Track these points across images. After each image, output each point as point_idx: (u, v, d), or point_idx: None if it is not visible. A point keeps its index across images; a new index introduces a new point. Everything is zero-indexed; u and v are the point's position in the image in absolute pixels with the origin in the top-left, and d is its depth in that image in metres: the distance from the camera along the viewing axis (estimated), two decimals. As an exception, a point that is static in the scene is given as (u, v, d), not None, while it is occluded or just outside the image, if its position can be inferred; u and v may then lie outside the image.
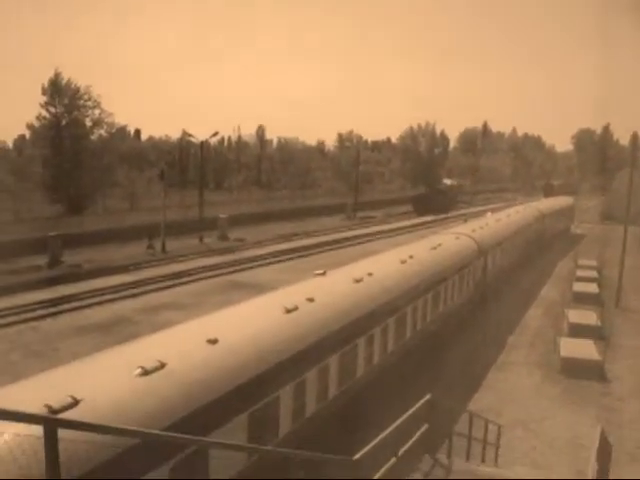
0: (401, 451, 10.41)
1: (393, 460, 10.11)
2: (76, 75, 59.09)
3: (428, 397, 11.46)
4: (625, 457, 15.49)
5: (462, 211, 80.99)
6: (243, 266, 39.06)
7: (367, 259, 22.74)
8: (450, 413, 13.85)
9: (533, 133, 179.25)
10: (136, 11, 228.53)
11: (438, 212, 75.80)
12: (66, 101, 58.34)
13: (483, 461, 13.60)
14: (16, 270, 34.91)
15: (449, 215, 76.92)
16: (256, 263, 40.26)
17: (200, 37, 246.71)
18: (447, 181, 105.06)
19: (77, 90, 58.40)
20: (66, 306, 27.87)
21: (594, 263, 42.57)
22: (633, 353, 25.39)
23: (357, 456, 8.73)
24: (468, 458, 13.04)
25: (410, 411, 10.75)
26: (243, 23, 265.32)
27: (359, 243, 51.17)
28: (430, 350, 21.79)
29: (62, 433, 4.75)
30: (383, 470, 9.83)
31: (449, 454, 12.47)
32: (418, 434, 11.37)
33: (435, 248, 24.99)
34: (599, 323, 27.28)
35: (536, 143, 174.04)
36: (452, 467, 11.56)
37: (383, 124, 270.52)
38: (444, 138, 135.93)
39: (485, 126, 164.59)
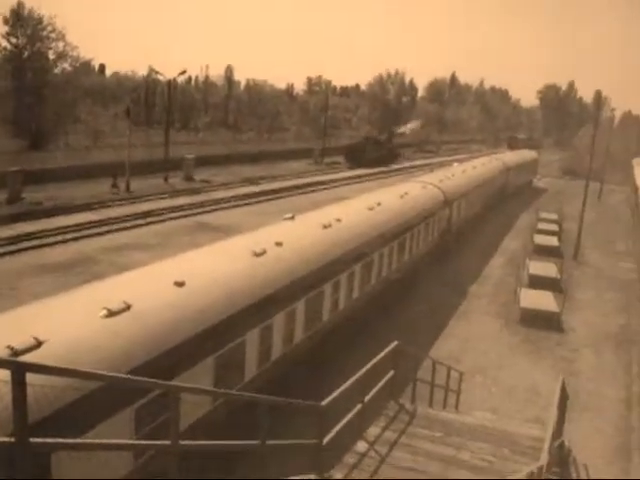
0: (367, 397, 10.53)
1: (359, 406, 10.23)
2: (39, 3, 56.46)
3: (395, 344, 11.57)
4: (577, 406, 16.02)
5: (425, 161, 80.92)
6: (209, 208, 38.66)
7: (335, 205, 22.71)
8: (414, 360, 14.06)
9: (500, 86, 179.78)
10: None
11: (373, 165, 69.00)
12: (29, 32, 56.11)
13: (444, 407, 13.90)
14: (-27, 205, 34.00)
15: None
16: (222, 205, 39.86)
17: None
18: (408, 126, 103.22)
19: (40, 20, 56.14)
20: (26, 244, 27.12)
21: (555, 216, 43.20)
22: (588, 305, 26.08)
23: (324, 402, 8.79)
24: (431, 404, 13.31)
25: (377, 357, 10.85)
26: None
27: (326, 189, 51.04)
28: (395, 297, 22.04)
29: (29, 377, 4.65)
30: (350, 415, 9.95)
31: (413, 400, 12.71)
32: (384, 380, 11.51)
33: (402, 196, 25.03)
34: (558, 275, 27.85)
35: (503, 96, 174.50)
36: (416, 412, 11.78)
37: (352, 70, 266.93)
38: (412, 87, 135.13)
39: (453, 77, 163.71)
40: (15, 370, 4.57)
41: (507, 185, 51.45)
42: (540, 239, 36.22)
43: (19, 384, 4.56)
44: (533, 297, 24.49)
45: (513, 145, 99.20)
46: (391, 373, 11.69)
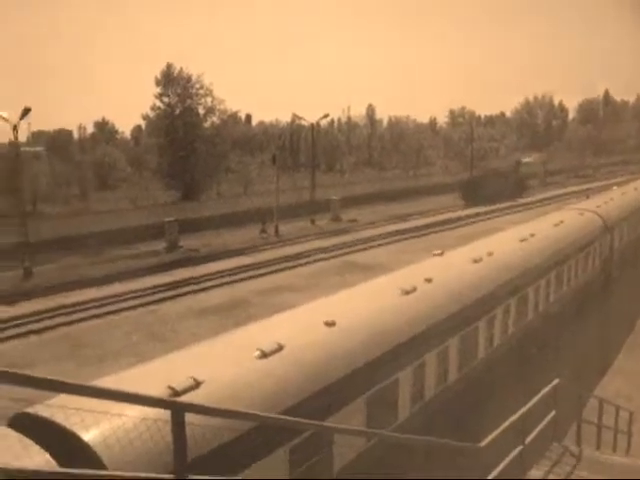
0: (528, 438, 9.88)
1: (520, 447, 9.62)
2: (183, 64, 60.86)
3: (556, 382, 10.83)
4: None
5: (582, 186, 76.60)
6: (357, 247, 38.85)
7: (486, 238, 21.96)
8: (578, 399, 13.10)
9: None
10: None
11: (494, 201, 59.74)
12: (179, 91, 60.30)
13: (614, 450, 12.79)
14: (136, 255, 36.46)
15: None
16: (370, 244, 39.91)
17: (286, 23, 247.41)
18: (527, 159, 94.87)
19: (189, 79, 60.21)
20: (185, 289, 28.65)
21: None
22: None
23: (483, 443, 8.34)
24: (599, 447, 12.29)
25: (537, 396, 10.20)
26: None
27: (476, 222, 49.81)
28: (554, 332, 20.81)
29: (187, 416, 4.83)
30: (510, 458, 9.37)
31: (578, 442, 11.79)
32: (546, 420, 10.78)
33: (557, 225, 23.79)
34: None
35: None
36: (582, 455, 10.90)
37: (496, 98, 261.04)
38: (562, 109, 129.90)
39: (606, 94, 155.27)
40: (175, 410, 4.75)
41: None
42: None
43: (178, 424, 4.72)
44: None
45: None
46: (553, 413, 10.93)
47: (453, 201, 64.84)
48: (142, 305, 26.20)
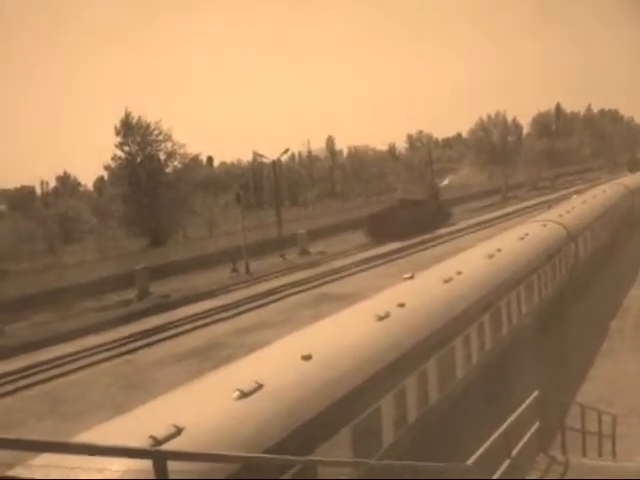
0: (515, 451, 9.95)
1: (507, 461, 9.68)
2: (138, 109, 61.05)
3: (536, 394, 10.96)
4: None
5: (541, 198, 77.78)
6: (328, 278, 38.93)
7: (454, 257, 22.22)
8: (560, 407, 13.24)
9: (610, 107, 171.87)
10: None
11: (408, 234, 51.82)
12: (138, 139, 60.32)
13: (600, 455, 12.92)
14: (108, 306, 36.15)
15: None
16: (341, 274, 40.03)
17: (236, 59, 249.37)
18: (445, 182, 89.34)
19: (147, 126, 60.29)
20: (159, 336, 28.38)
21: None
22: None
23: (470, 461, 8.38)
24: (585, 453, 12.40)
25: (520, 409, 10.31)
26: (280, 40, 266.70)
27: (445, 241, 50.28)
28: (530, 343, 21.02)
29: (170, 464, 4.83)
30: (499, 472, 9.43)
31: (564, 450, 11.90)
32: (530, 432, 10.87)
33: (522, 238, 24.20)
34: None
35: (613, 117, 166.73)
36: (569, 463, 10.99)
37: (452, 120, 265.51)
38: (516, 125, 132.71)
39: (558, 107, 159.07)
40: (157, 459, 4.75)
41: (633, 209, 48.67)
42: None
43: (162, 472, 4.71)
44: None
45: (634, 166, 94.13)
46: (536, 424, 11.03)
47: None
48: (118, 355, 25.93)
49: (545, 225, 27.79)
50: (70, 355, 26.27)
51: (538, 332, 22.24)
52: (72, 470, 4.95)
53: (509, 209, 70.02)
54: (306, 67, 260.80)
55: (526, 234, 24.90)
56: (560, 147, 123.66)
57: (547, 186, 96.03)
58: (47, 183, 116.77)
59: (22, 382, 23.37)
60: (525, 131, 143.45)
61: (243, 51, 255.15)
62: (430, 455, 9.14)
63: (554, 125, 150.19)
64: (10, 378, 23.85)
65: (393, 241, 49.77)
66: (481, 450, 8.69)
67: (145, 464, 4.82)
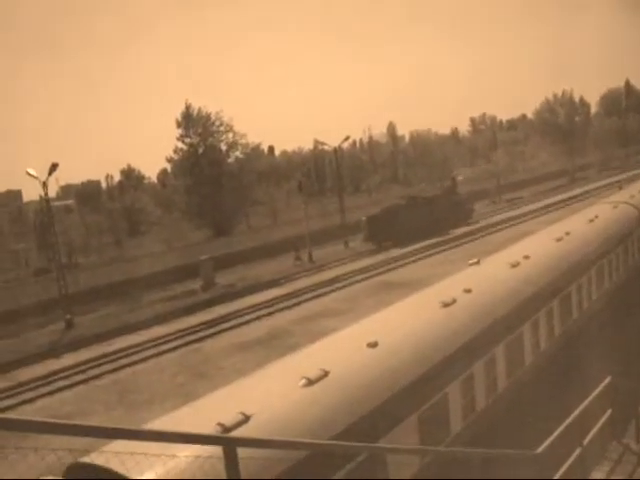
0: (586, 440, 9.65)
1: (579, 450, 9.40)
2: (199, 100, 61.95)
3: (608, 380, 10.60)
4: None
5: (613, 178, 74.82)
6: (391, 266, 38.63)
7: (521, 242, 21.71)
8: (634, 394, 12.77)
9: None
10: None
11: (418, 237, 45.56)
12: (200, 130, 61.10)
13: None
14: (174, 296, 36.87)
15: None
16: (405, 261, 39.61)
17: (296, 49, 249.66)
18: (460, 177, 79.24)
19: (208, 117, 60.99)
20: (225, 325, 28.75)
21: None
22: None
23: (540, 449, 8.17)
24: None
25: (591, 396, 9.99)
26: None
27: (511, 225, 49.19)
28: (601, 329, 20.39)
29: (239, 450, 4.91)
30: (569, 462, 9.16)
31: (638, 439, 11.48)
32: (602, 420, 10.53)
33: (592, 221, 23.43)
34: None
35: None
36: None
37: (517, 100, 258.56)
38: (584, 104, 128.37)
39: (627, 84, 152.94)
40: (227, 446, 4.85)
41: None
42: None
43: (231, 459, 4.81)
44: None
45: None
46: (609, 411, 10.68)
47: (485, 208, 64.24)
48: (184, 345, 26.35)
49: (616, 206, 26.82)
50: (138, 345, 26.91)
51: (609, 317, 21.56)
52: (145, 457, 5.05)
53: (578, 190, 67.93)
54: (367, 54, 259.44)
55: (596, 216, 24.08)
56: (631, 125, 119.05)
57: (618, 166, 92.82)
58: (112, 177, 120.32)
59: (92, 372, 24.07)
60: (593, 110, 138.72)
61: (304, 42, 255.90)
62: (499, 443, 8.95)
63: (624, 102, 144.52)
64: (81, 368, 24.62)
65: (395, 247, 44.58)
66: (551, 438, 8.46)
67: (215, 451, 4.92)
